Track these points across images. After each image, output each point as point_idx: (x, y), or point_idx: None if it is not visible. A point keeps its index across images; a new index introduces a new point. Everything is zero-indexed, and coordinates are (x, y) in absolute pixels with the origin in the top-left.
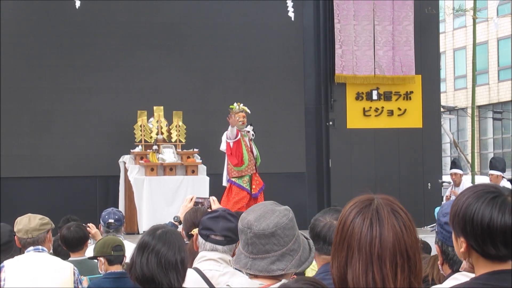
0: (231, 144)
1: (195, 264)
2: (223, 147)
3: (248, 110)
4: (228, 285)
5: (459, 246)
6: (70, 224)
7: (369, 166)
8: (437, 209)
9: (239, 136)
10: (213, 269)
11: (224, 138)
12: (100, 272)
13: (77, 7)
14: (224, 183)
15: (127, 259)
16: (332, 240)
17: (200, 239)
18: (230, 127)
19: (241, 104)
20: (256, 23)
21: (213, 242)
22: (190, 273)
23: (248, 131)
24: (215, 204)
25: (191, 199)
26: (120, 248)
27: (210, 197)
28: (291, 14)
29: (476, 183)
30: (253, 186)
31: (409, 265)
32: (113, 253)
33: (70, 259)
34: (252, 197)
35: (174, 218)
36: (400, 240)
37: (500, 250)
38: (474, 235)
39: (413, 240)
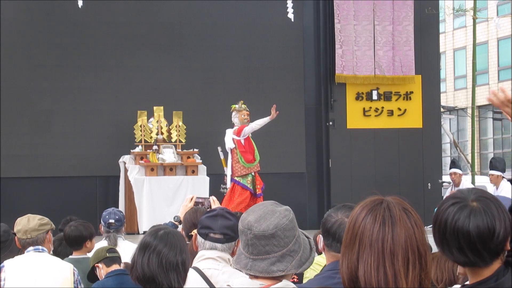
0: (243, 142)
1: (194, 263)
2: (231, 145)
3: (247, 109)
4: (228, 285)
5: None
6: (73, 222)
7: (369, 166)
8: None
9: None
10: (212, 268)
11: (228, 137)
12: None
13: (79, 6)
14: (229, 184)
15: (128, 259)
16: (342, 237)
17: (199, 238)
18: (267, 118)
19: (242, 102)
20: (256, 23)
21: (212, 240)
22: (190, 273)
23: None
24: (215, 204)
25: (191, 199)
26: (114, 250)
27: (210, 197)
28: (290, 15)
29: (476, 183)
30: (257, 186)
31: (420, 262)
32: (108, 255)
33: (70, 257)
34: (255, 197)
35: (174, 218)
36: (411, 237)
37: (457, 256)
38: (435, 240)
39: (423, 238)
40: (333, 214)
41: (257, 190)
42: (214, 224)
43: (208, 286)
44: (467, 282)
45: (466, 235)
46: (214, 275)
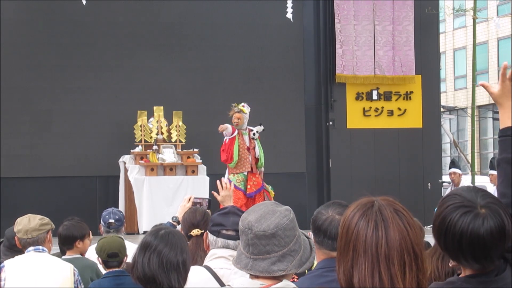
0: (226, 141)
1: (206, 262)
2: None
3: (245, 110)
4: (228, 285)
5: None
6: (67, 221)
7: (369, 166)
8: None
9: (235, 133)
10: (224, 267)
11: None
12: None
13: (84, 3)
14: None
15: (129, 259)
16: (333, 234)
17: (211, 237)
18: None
19: (241, 104)
20: (256, 23)
21: (224, 237)
22: (202, 272)
23: (251, 130)
24: (228, 187)
25: (189, 199)
26: (116, 254)
27: (213, 192)
28: (289, 15)
29: (476, 183)
30: (248, 186)
31: (417, 263)
32: (109, 259)
33: (63, 257)
34: (247, 197)
35: (172, 218)
36: (406, 239)
37: (472, 265)
38: (447, 249)
39: (418, 237)
40: (323, 212)
41: (248, 190)
42: (225, 221)
43: (219, 286)
44: (459, 272)
45: (482, 244)
46: (226, 275)
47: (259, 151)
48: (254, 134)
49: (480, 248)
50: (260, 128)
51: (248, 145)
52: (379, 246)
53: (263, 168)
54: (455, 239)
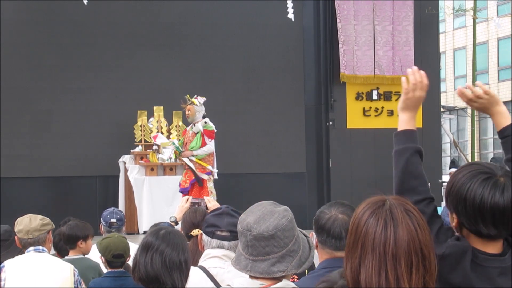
0: None
1: (200, 262)
2: None
3: (196, 102)
4: (228, 285)
5: (452, 220)
6: (71, 221)
7: (369, 166)
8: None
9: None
10: (217, 267)
11: None
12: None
13: (85, 3)
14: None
15: (130, 260)
16: (336, 233)
17: (205, 238)
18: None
19: (194, 96)
20: (256, 23)
21: (219, 238)
22: (196, 272)
23: (196, 124)
24: (210, 203)
25: (187, 200)
26: (121, 255)
27: (204, 197)
28: (291, 15)
29: None
30: (180, 181)
31: (424, 264)
32: (113, 260)
33: (65, 257)
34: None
35: (170, 219)
36: (414, 239)
37: (490, 230)
38: (466, 215)
39: (427, 239)
40: (326, 211)
41: (180, 185)
42: (220, 222)
43: (213, 285)
44: None
45: (502, 210)
46: (219, 274)
47: (193, 143)
48: (192, 126)
49: (500, 216)
50: (202, 121)
51: (190, 138)
52: (387, 245)
53: (193, 158)
54: (475, 206)
